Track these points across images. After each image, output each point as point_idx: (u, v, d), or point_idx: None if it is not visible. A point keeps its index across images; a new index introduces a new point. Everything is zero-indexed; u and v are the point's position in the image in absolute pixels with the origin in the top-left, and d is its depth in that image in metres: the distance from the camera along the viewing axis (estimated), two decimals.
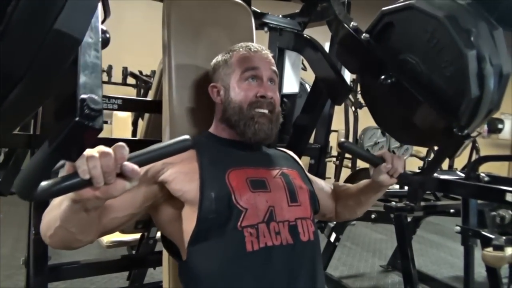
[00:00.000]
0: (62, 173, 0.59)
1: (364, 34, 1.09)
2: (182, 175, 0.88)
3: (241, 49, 1.03)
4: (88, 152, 0.57)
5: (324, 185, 1.18)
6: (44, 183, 0.55)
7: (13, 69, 0.42)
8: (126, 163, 0.60)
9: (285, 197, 0.95)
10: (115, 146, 0.59)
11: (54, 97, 0.54)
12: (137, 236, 2.02)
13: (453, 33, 0.90)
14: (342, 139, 1.01)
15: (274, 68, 1.03)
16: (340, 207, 1.17)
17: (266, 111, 0.97)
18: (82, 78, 0.51)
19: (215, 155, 0.94)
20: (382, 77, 1.03)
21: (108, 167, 0.58)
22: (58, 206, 0.70)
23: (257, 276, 0.84)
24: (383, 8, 1.06)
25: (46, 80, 0.46)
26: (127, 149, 0.60)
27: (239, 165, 0.94)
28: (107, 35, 1.32)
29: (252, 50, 1.02)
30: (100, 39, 0.57)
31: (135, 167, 0.60)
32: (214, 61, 1.07)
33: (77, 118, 0.48)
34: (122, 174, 0.60)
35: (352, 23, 1.14)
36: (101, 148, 0.59)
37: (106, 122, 3.64)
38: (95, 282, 2.53)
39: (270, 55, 1.04)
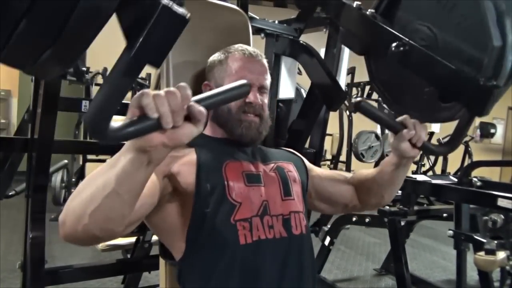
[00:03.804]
0: (126, 119, 0.55)
1: (369, 10, 1.02)
2: (185, 167, 0.90)
3: (236, 53, 1.03)
4: (153, 91, 0.55)
5: (333, 173, 1.17)
6: (113, 125, 0.51)
7: None
8: (193, 103, 0.57)
9: (279, 192, 0.97)
10: (179, 85, 0.57)
11: None
12: (132, 239, 2.03)
13: None
14: (359, 98, 0.90)
15: (267, 76, 1.03)
16: (364, 194, 1.11)
17: (252, 116, 0.99)
18: None
19: (212, 150, 0.96)
20: (394, 45, 0.93)
21: (176, 105, 0.55)
22: (107, 169, 0.63)
23: (250, 268, 0.87)
24: None
25: None
26: (190, 90, 0.58)
27: (235, 158, 0.96)
28: None
29: (247, 55, 1.02)
30: None
31: (202, 108, 0.58)
32: (210, 59, 1.08)
33: (164, 1, 0.45)
34: (188, 118, 0.58)
35: (355, 2, 1.07)
36: (165, 88, 0.57)
37: None
38: (89, 286, 2.52)
39: (264, 61, 1.05)
